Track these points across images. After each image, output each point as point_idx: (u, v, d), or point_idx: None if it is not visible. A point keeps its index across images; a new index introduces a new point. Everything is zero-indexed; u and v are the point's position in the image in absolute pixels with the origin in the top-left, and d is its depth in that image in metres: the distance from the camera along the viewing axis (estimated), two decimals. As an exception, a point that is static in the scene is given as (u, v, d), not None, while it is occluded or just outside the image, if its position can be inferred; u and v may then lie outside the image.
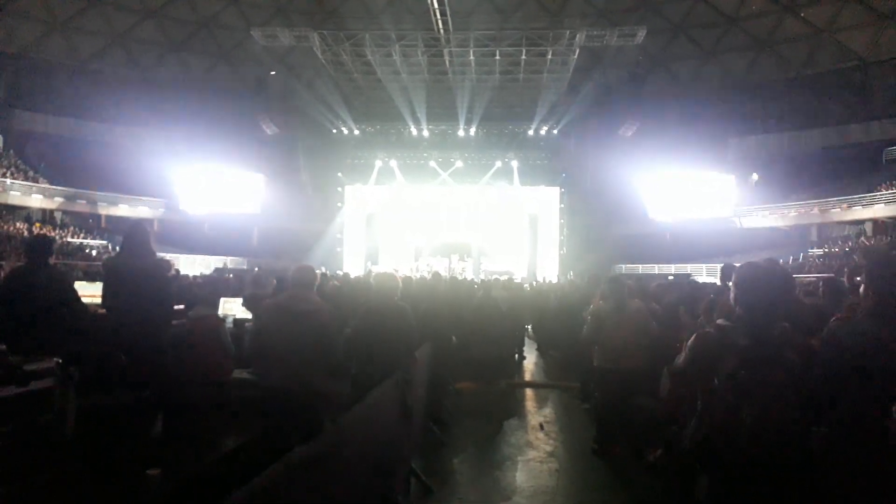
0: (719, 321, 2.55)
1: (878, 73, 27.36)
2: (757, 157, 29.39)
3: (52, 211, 27.94)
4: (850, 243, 25.98)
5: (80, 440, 3.71)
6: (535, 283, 18.35)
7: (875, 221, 26.16)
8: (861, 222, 26.90)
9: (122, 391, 4.07)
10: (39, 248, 4.30)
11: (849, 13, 26.13)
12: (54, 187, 27.38)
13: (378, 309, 4.55)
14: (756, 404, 2.30)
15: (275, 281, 6.19)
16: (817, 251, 26.46)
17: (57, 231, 26.06)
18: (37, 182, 27.11)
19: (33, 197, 26.62)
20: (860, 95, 27.90)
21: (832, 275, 13.23)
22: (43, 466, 3.37)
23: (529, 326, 12.93)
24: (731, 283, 2.58)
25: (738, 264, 2.96)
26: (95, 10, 28.17)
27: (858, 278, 2.53)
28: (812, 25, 27.22)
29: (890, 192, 25.35)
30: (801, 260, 25.55)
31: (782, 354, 2.36)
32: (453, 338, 7.07)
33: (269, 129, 27.83)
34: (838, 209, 26.57)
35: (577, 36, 23.61)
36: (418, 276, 17.79)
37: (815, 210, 27.18)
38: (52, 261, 4.33)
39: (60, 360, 3.63)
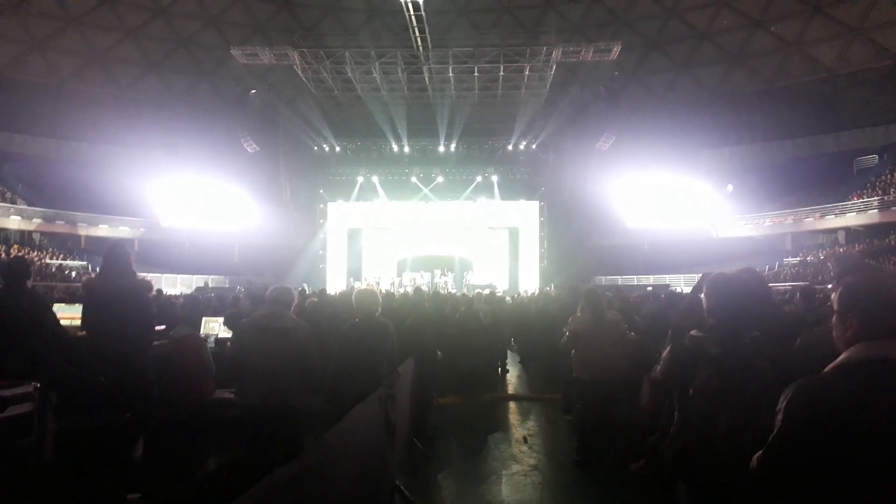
0: (692, 332, 2.61)
1: (847, 85, 28.14)
2: (730, 167, 29.93)
3: (30, 232, 27.54)
4: (824, 251, 26.51)
5: (60, 465, 3.67)
6: (516, 295, 18.43)
7: (848, 229, 26.76)
8: (834, 231, 27.51)
9: (101, 414, 4.04)
10: (16, 270, 4.26)
11: (817, 27, 26.92)
12: (33, 208, 27.03)
13: (359, 325, 4.57)
14: (730, 412, 2.33)
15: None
16: (792, 260, 26.94)
17: (35, 253, 25.65)
18: (15, 203, 26.72)
19: (11, 218, 26.23)
20: (829, 106, 28.64)
21: (807, 283, 13.53)
22: (21, 492, 3.33)
23: (512, 339, 13.00)
24: (702, 295, 2.65)
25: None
26: (74, 30, 28.02)
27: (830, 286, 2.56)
28: (782, 39, 27.96)
29: (861, 200, 25.98)
30: (776, 269, 26.00)
31: (754, 363, 2.40)
32: (438, 353, 7.09)
33: (250, 148, 27.75)
34: (811, 218, 27.13)
35: (554, 52, 23.97)
36: (401, 291, 17.79)
37: (789, 220, 27.72)
38: (29, 283, 4.28)
39: (38, 385, 3.60)
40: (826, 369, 1.62)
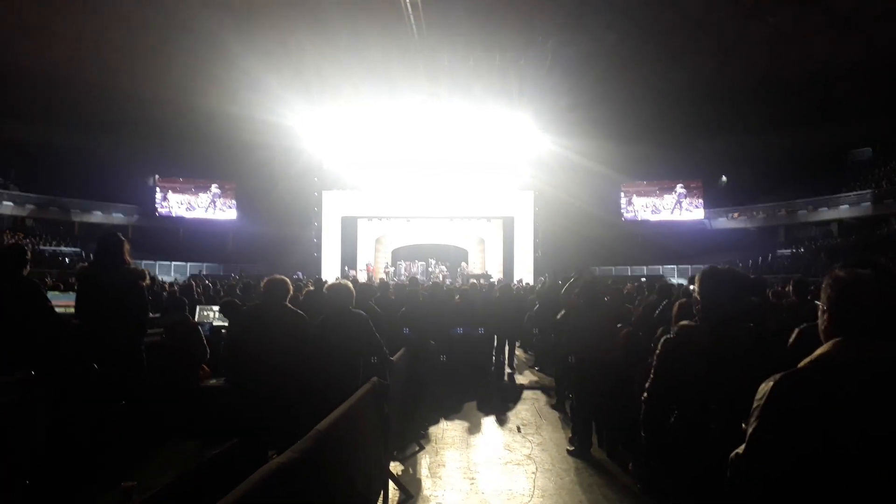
0: (683, 322, 2.62)
1: (841, 77, 28.14)
2: (724, 159, 29.96)
3: (23, 218, 27.40)
4: (817, 243, 26.67)
5: (53, 453, 3.68)
6: (512, 285, 18.45)
7: (841, 222, 26.91)
8: (827, 223, 27.64)
9: (96, 402, 4.04)
10: (12, 257, 4.23)
11: (812, 19, 26.84)
12: (25, 194, 26.87)
13: (332, 319, 4.47)
14: (723, 402, 2.35)
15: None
16: (785, 251, 27.09)
17: (28, 239, 25.54)
18: (7, 189, 26.56)
19: (4, 204, 26.12)
20: (823, 99, 28.66)
21: (800, 275, 13.61)
22: (14, 481, 3.33)
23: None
24: (692, 287, 2.67)
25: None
26: (67, 16, 27.63)
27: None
28: (776, 31, 27.88)
29: (854, 193, 26.09)
30: (769, 260, 26.14)
31: (746, 354, 2.42)
32: (432, 342, 7.12)
33: (245, 134, 27.58)
34: (805, 210, 27.24)
35: (549, 41, 23.84)
36: (395, 281, 17.78)
37: (783, 212, 27.84)
38: (25, 271, 4.25)
39: (32, 372, 3.59)
40: (802, 364, 1.58)
